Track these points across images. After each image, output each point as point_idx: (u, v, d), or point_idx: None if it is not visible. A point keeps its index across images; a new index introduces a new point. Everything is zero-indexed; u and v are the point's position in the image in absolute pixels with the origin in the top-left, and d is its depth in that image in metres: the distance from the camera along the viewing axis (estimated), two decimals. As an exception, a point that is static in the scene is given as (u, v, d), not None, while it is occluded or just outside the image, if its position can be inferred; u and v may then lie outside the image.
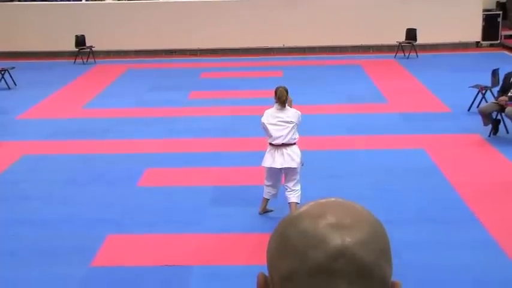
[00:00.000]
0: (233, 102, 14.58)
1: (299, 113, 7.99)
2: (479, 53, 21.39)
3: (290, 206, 7.91)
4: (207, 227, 8.04)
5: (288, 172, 7.93)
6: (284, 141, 7.84)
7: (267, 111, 7.99)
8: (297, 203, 7.86)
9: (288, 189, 7.96)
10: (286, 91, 7.90)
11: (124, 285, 6.75)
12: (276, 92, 7.92)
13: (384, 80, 16.86)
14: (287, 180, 7.99)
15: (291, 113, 7.90)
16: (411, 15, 21.25)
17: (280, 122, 7.84)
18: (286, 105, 7.92)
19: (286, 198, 8.02)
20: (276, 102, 7.90)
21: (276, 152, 7.87)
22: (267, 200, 8.19)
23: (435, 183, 9.31)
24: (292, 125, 7.85)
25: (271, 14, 21.64)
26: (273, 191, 8.15)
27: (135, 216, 8.42)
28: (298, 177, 7.95)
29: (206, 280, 6.77)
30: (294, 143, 7.90)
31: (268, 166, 7.95)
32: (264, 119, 7.92)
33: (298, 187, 7.94)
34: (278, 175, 8.08)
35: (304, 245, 1.06)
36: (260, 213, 8.23)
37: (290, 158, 7.82)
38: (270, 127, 7.85)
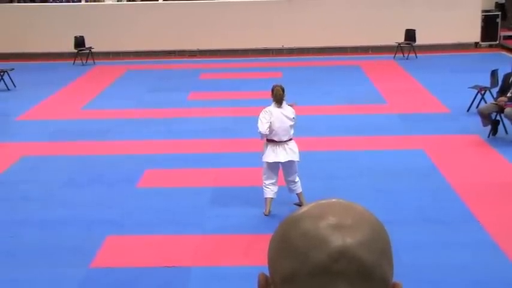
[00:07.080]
0: (232, 103, 14.57)
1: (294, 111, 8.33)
2: (478, 53, 21.38)
3: (299, 197, 8.35)
4: (207, 227, 8.05)
5: (291, 165, 8.23)
6: (286, 138, 8.13)
7: (267, 109, 8.19)
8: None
9: (291, 183, 8.33)
10: (283, 89, 8.20)
11: (123, 287, 6.75)
12: (272, 91, 8.22)
13: (383, 81, 16.86)
14: (289, 174, 8.30)
15: (289, 110, 8.21)
16: (410, 16, 21.24)
17: (282, 119, 8.11)
18: (284, 103, 8.18)
19: (290, 191, 8.37)
20: (273, 100, 8.17)
21: (277, 147, 8.15)
22: (271, 199, 8.28)
23: (434, 184, 9.31)
24: (292, 122, 8.18)
25: (271, 15, 21.63)
26: (274, 189, 8.29)
27: (134, 217, 8.42)
28: (297, 169, 8.32)
29: (205, 281, 6.77)
30: (292, 138, 8.23)
31: (272, 161, 8.13)
32: (267, 116, 8.09)
33: (298, 178, 8.33)
34: (278, 170, 8.30)
35: (305, 246, 1.07)
36: (266, 215, 8.25)
37: (292, 151, 8.19)
38: (274, 124, 8.09)
